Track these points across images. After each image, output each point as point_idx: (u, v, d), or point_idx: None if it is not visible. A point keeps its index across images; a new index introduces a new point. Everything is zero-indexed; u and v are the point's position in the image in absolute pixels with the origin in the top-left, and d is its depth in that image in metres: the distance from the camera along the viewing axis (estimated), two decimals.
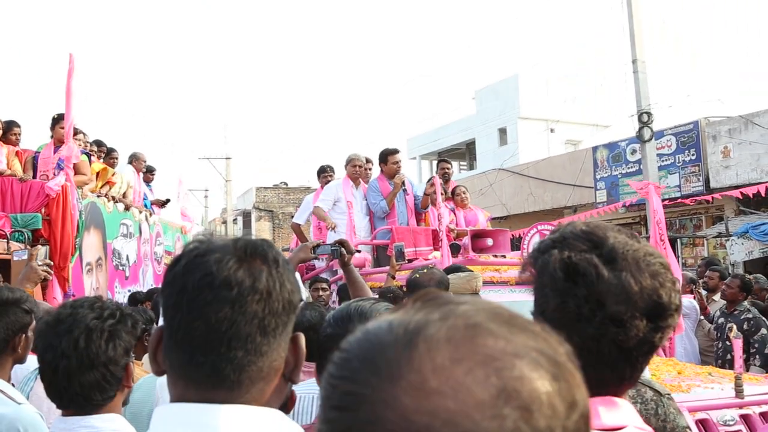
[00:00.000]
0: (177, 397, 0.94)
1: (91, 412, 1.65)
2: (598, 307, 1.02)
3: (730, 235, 12.51)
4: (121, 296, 7.58)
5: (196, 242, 0.97)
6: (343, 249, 3.08)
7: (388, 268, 5.33)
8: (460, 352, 0.48)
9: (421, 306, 0.53)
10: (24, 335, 2.16)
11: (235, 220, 39.80)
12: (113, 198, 7.78)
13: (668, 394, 1.62)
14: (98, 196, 7.39)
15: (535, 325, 0.53)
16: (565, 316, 1.03)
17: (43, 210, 6.19)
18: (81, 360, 1.62)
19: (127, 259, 8.14)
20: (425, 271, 3.47)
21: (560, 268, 1.05)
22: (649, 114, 12.11)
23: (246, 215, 38.92)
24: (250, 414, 0.92)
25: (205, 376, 0.92)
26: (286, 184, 39.59)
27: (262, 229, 37.15)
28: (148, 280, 8.82)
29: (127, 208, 8.11)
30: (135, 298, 6.66)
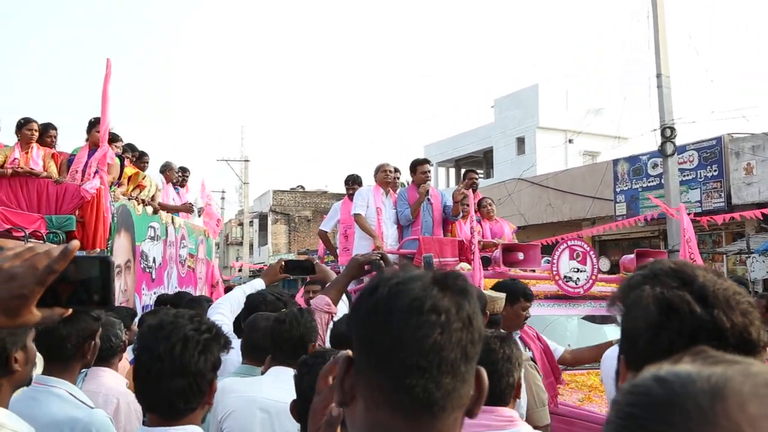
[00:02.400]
0: (374, 422, 0.95)
1: (173, 421, 1.71)
2: (691, 342, 1.06)
3: (751, 252, 12.45)
4: (148, 298, 7.67)
5: (390, 272, 0.99)
6: (382, 262, 3.28)
7: None
8: (766, 407, 0.55)
9: (706, 361, 0.61)
10: (93, 342, 2.23)
11: (251, 222, 39.97)
12: (143, 201, 7.89)
13: None
14: (129, 199, 7.49)
15: None
16: (657, 350, 1.06)
17: (77, 212, 6.30)
18: (173, 365, 1.70)
19: (154, 261, 8.22)
20: None
21: (653, 303, 1.10)
22: (672, 129, 12.10)
23: (262, 218, 39.06)
24: None
25: (416, 400, 0.93)
26: (302, 187, 39.69)
27: (278, 232, 37.26)
28: (173, 282, 8.90)
29: (155, 212, 8.22)
30: (162, 300, 6.75)
